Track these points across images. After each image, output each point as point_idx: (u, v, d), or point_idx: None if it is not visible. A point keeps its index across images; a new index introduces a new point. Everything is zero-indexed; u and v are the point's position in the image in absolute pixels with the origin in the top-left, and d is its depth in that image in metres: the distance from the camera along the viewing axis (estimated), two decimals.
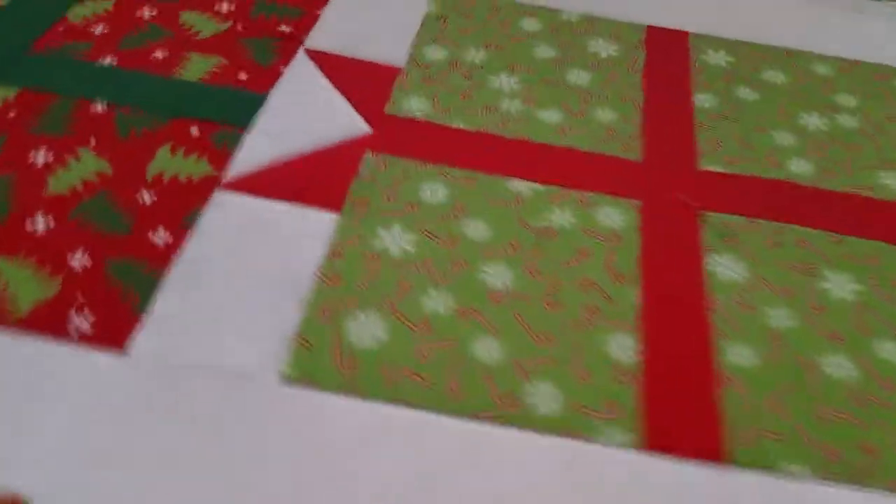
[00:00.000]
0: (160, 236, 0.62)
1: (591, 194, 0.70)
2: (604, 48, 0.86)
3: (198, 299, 0.58)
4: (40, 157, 0.67)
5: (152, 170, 0.67)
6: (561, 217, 0.67)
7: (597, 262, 0.64)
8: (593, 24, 0.89)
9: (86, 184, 0.65)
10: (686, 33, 0.90)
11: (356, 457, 0.51)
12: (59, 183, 0.65)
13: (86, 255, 0.60)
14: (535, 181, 0.70)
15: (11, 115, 0.70)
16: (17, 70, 0.75)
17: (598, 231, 0.67)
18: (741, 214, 0.69)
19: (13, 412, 0.51)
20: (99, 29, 0.81)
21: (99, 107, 0.72)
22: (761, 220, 0.68)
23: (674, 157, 0.74)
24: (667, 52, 0.87)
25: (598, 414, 0.54)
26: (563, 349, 0.58)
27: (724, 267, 0.64)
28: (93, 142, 0.69)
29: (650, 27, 0.90)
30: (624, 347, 0.58)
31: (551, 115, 0.77)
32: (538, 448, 0.52)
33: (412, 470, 0.50)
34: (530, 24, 0.88)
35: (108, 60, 0.77)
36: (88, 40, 0.79)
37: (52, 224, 0.62)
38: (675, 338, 0.59)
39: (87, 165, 0.67)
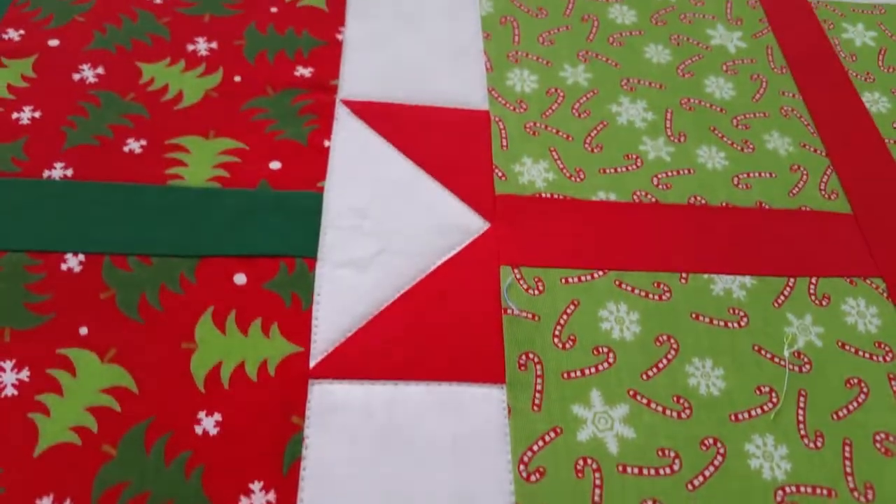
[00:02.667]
0: (257, 498, 0.38)
1: (821, 281, 0.50)
2: (727, 38, 0.65)
3: None
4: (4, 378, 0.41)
5: (198, 368, 0.42)
6: (807, 335, 0.47)
7: (881, 408, 0.45)
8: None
9: (100, 416, 0.40)
10: (808, 3, 0.69)
11: None
12: (54, 428, 0.39)
13: None
14: (745, 273, 0.50)
15: None
16: None
17: (859, 342, 0.47)
18: None
19: None
20: (26, 115, 0.51)
21: (72, 261, 0.45)
22: None
23: (890, 198, 0.55)
24: (798, 32, 0.66)
25: None
26: None
27: None
28: (83, 331, 0.43)
29: None
30: None
31: (711, 157, 0.56)
32: None
33: None
34: (622, 14, 0.65)
35: (57, 171, 0.49)
36: (17, 136, 0.50)
37: None
38: None
39: (89, 379, 0.41)
